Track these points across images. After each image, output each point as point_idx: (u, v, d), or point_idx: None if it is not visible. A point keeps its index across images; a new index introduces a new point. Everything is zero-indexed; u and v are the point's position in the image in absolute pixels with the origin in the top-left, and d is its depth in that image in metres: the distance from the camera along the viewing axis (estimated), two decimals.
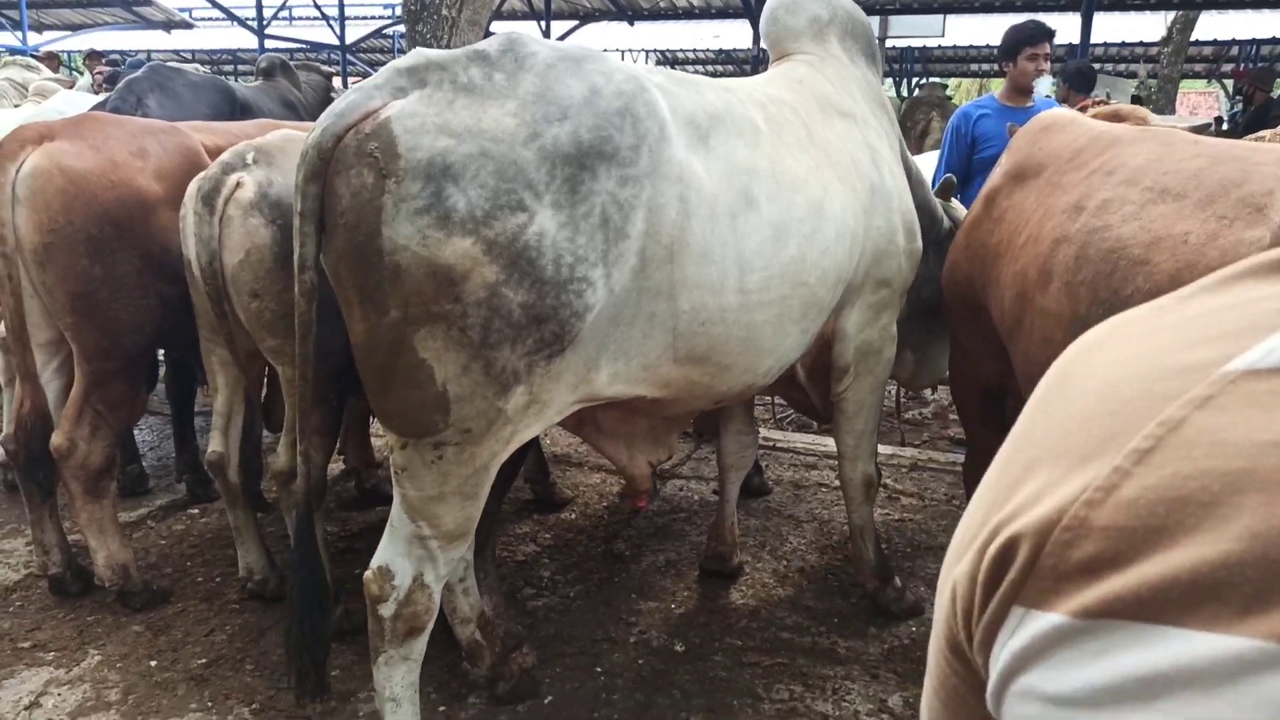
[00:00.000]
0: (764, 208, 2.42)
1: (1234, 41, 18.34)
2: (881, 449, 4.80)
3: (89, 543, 3.15)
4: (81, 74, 10.82)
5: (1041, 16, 16.22)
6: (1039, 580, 0.40)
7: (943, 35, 17.84)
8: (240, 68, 26.58)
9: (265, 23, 14.27)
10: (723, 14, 16.24)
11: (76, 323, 2.94)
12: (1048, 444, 0.44)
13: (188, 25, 20.55)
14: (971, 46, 20.65)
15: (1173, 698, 0.35)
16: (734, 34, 19.06)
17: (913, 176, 3.37)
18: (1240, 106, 12.53)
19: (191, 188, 2.80)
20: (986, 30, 18.98)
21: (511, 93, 2.07)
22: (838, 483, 4.39)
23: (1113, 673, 0.37)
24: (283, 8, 15.57)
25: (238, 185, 2.72)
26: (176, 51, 24.58)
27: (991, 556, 0.43)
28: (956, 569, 0.47)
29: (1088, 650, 0.38)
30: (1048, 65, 4.58)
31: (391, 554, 2.22)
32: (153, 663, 2.93)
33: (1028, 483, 0.43)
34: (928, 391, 5.84)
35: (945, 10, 15.89)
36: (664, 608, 3.34)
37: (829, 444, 4.86)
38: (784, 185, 2.49)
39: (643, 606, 3.35)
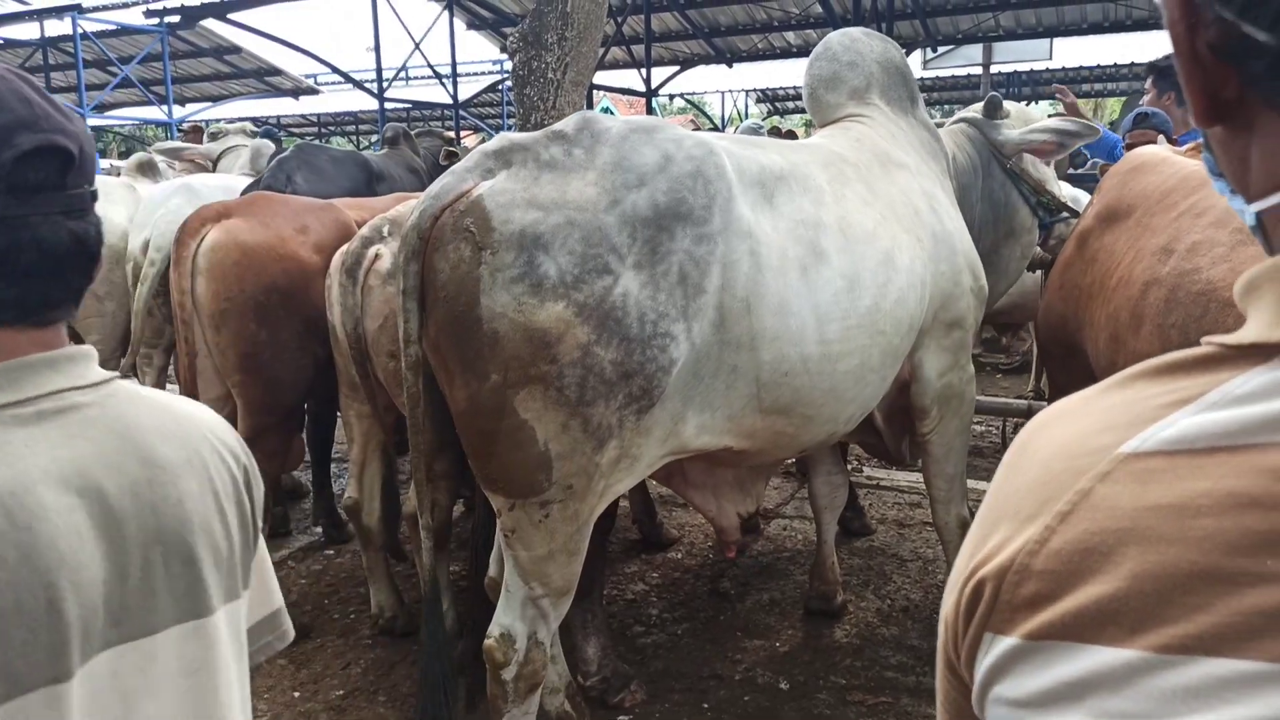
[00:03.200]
0: (834, 260, 2.52)
1: None
2: (985, 486, 4.78)
3: None
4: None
5: (1153, 34, 15.63)
6: (1000, 612, 0.54)
7: (1050, 58, 17.50)
8: (361, 128, 28.11)
9: (385, 85, 15.12)
10: None
11: (243, 380, 3.31)
12: (1007, 505, 0.57)
13: (314, 91, 21.91)
14: (1081, 67, 20.11)
15: (1093, 697, 0.48)
16: None
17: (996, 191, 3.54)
18: None
19: (336, 261, 3.11)
20: (1096, 51, 18.49)
21: (590, 164, 2.25)
22: None
23: (1052, 680, 0.50)
24: (400, 71, 16.46)
25: (376, 257, 2.99)
26: (304, 115, 26.19)
27: (968, 594, 0.57)
28: (947, 603, 0.61)
29: (1034, 664, 0.51)
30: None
31: (510, 619, 2.36)
32: (295, 694, 3.20)
33: (993, 536, 0.57)
34: None
35: (1051, 34, 15.59)
36: (769, 645, 3.44)
37: None
38: (852, 239, 2.59)
39: (748, 644, 3.45)
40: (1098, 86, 22.89)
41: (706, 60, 16.70)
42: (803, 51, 16.66)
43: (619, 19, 13.98)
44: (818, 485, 3.57)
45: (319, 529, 4.57)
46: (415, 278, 2.24)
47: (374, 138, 26.67)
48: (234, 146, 6.42)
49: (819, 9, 13.38)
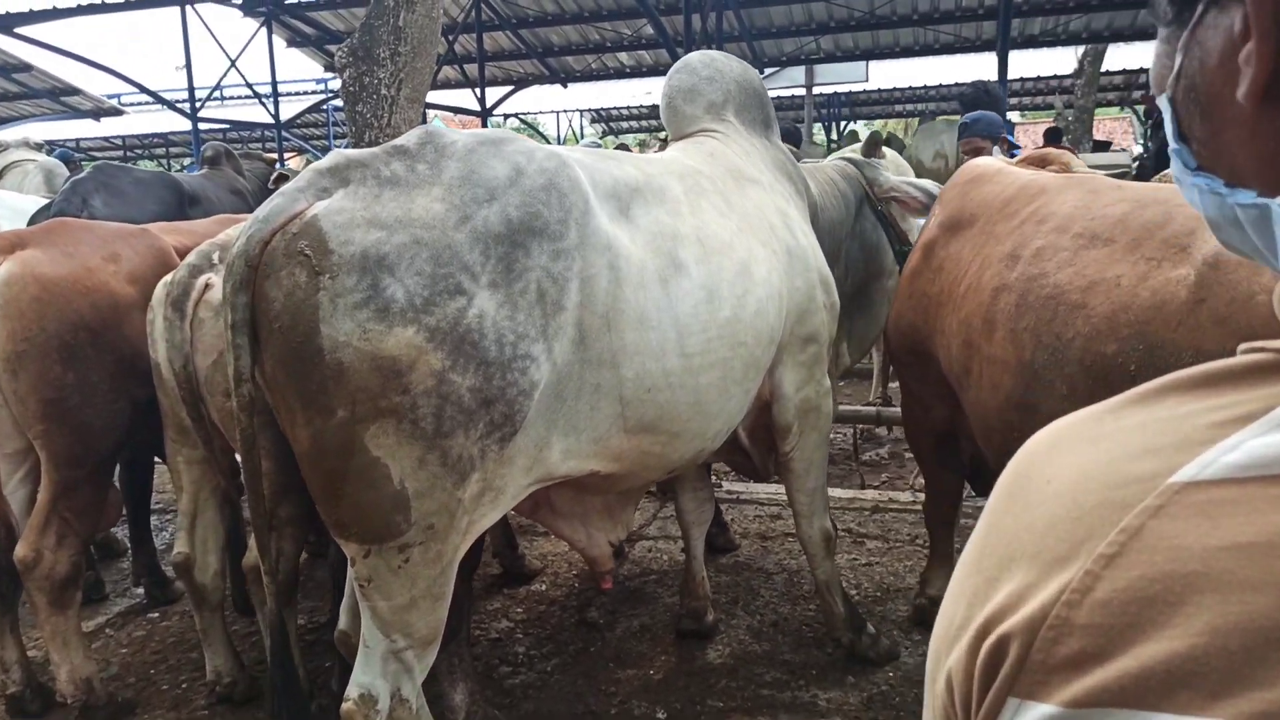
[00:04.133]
0: (693, 271, 2.48)
1: (1142, 70, 19.18)
2: (842, 493, 4.87)
3: (51, 657, 3.05)
4: None
5: (959, 58, 16.77)
6: (1030, 674, 0.44)
7: (867, 80, 18.46)
8: (172, 150, 26.42)
9: (199, 105, 14.22)
10: (654, 72, 16.57)
11: (47, 430, 2.90)
12: (1020, 545, 0.48)
13: (118, 112, 20.31)
14: (895, 89, 21.31)
15: None
16: None
17: (831, 194, 3.65)
18: (1150, 131, 13.28)
19: (159, 292, 2.79)
20: (909, 73, 19.63)
21: (436, 180, 2.11)
22: None
23: None
24: (215, 89, 15.54)
25: (206, 286, 2.71)
26: (107, 139, 24.36)
27: (986, 653, 0.47)
28: (949, 660, 0.51)
29: None
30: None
31: (370, 677, 2.15)
32: None
33: (1006, 581, 0.48)
34: (882, 431, 5.94)
35: (868, 57, 16.42)
36: (643, 675, 3.33)
37: None
38: (710, 250, 2.56)
39: (621, 675, 3.33)
40: (909, 107, 24.35)
41: (541, 80, 16.65)
42: (635, 72, 16.88)
43: (450, 37, 13.70)
44: (685, 501, 3.51)
45: (140, 590, 4.12)
46: (245, 309, 2.02)
47: (187, 161, 25.12)
48: (17, 163, 5.76)
49: (651, 30, 13.57)
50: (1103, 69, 15.39)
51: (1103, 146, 12.95)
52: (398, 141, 2.21)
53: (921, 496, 4.60)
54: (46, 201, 4.42)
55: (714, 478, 4.98)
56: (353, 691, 2.15)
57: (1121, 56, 17.40)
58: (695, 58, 3.39)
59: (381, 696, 2.14)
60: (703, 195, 2.72)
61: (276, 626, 2.35)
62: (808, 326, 3.00)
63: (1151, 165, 8.46)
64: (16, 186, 5.51)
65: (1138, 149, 18.17)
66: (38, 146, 6.27)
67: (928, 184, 3.78)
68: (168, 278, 2.81)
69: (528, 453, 2.18)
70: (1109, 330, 2.23)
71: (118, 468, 4.08)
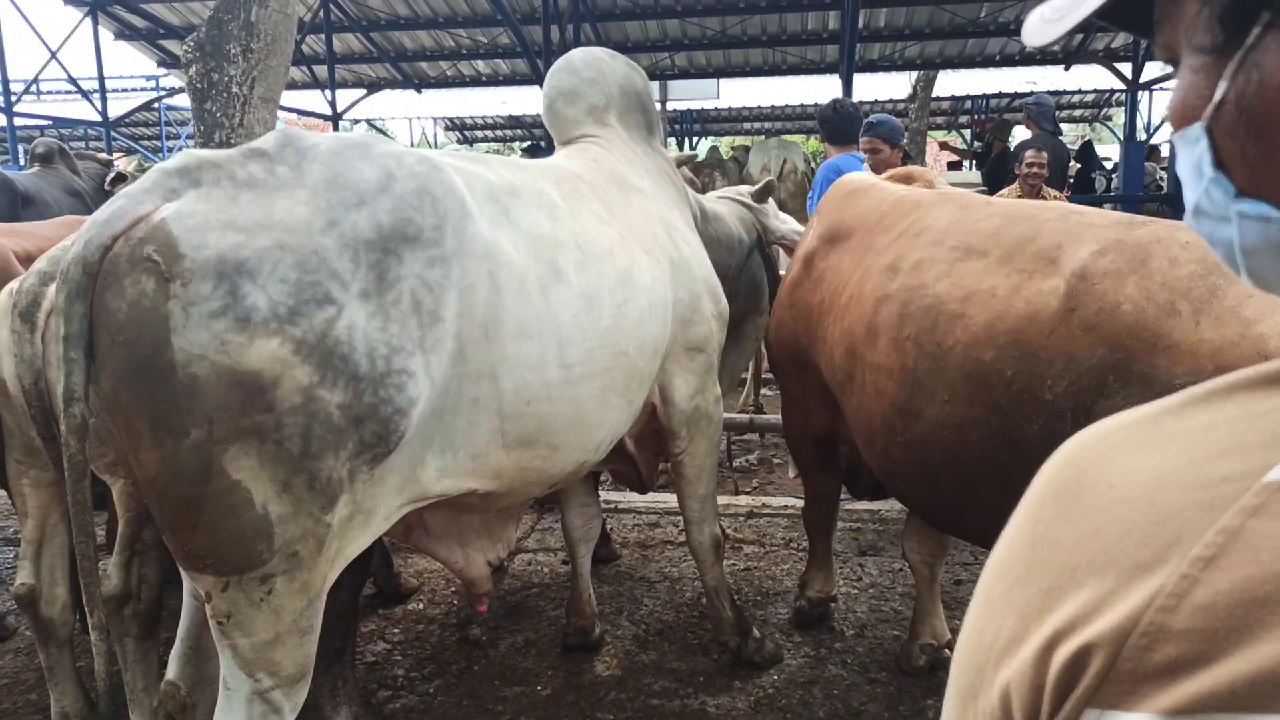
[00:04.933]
0: (573, 278, 2.43)
1: (968, 96, 20.59)
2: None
3: None
4: None
5: (804, 79, 17.42)
6: (1117, 683, 0.44)
7: (718, 98, 18.99)
8: None
9: (15, 98, 13.07)
10: (511, 81, 16.47)
11: None
12: (1086, 553, 0.47)
13: None
14: (744, 108, 21.98)
15: None
16: (522, 100, 19.38)
17: (708, 217, 3.71)
18: (983, 153, 14.35)
19: (3, 301, 2.52)
20: (758, 93, 20.30)
21: (299, 183, 1.98)
22: (683, 539, 4.51)
23: None
24: (32, 83, 14.34)
25: None
26: None
27: (1062, 664, 0.46)
28: (1004, 673, 0.49)
29: None
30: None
31: None
32: None
33: (1073, 591, 0.47)
34: (755, 437, 6.07)
35: (719, 75, 16.88)
36: (529, 691, 3.26)
37: (670, 500, 4.96)
38: (590, 256, 2.52)
39: (508, 693, 3.25)
40: (757, 125, 25.14)
41: (394, 85, 16.22)
42: (493, 80, 16.71)
43: (298, 37, 13.17)
44: (571, 517, 3.46)
45: None
46: (81, 320, 1.82)
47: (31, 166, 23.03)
48: None
49: (507, 39, 13.47)
50: (933, 94, 16.38)
51: (955, 166, 14.14)
52: (254, 144, 2.06)
53: (794, 501, 4.74)
54: None
55: None
56: None
57: (949, 83, 18.59)
58: (578, 56, 3.31)
59: None
60: (581, 201, 2.67)
61: (108, 670, 2.12)
62: (693, 336, 3.01)
63: (987, 184, 9.08)
64: None
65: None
66: None
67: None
68: (12, 285, 2.55)
69: (400, 472, 2.07)
70: (987, 338, 2.35)
71: None
